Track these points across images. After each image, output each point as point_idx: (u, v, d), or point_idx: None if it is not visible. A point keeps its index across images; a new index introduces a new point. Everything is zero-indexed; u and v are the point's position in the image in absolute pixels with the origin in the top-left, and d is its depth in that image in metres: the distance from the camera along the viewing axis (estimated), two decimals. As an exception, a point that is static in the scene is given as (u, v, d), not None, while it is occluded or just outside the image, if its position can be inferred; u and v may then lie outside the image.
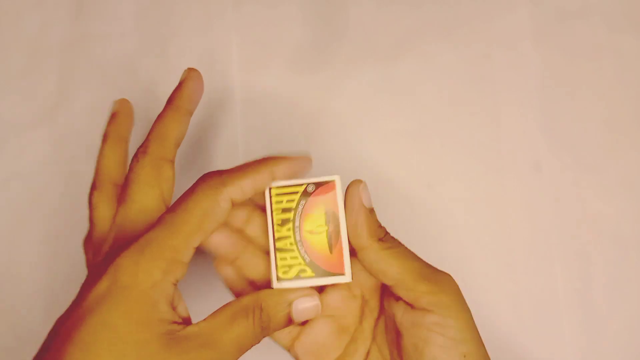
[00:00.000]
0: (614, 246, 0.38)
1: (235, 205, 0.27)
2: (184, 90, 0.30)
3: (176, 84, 0.42)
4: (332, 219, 0.27)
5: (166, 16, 0.42)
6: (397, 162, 0.39)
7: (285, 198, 0.28)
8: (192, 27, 0.42)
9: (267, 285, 0.29)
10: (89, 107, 0.41)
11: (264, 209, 0.29)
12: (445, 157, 0.39)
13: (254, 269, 0.29)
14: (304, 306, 0.27)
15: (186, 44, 0.41)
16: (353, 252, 0.28)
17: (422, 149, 0.40)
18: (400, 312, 0.27)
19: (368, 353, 0.29)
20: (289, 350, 0.30)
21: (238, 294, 0.30)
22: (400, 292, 0.27)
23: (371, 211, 0.28)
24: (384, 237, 0.27)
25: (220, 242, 0.28)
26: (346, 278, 0.27)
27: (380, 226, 0.28)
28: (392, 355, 0.28)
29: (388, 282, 0.27)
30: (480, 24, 0.41)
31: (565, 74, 0.40)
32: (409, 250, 0.28)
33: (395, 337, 0.28)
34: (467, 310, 0.26)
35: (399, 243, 0.28)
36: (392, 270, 0.26)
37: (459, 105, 0.40)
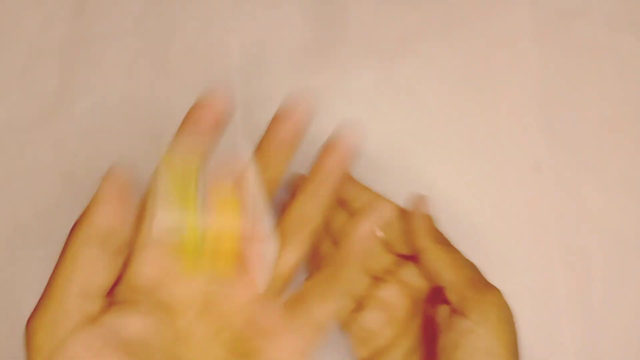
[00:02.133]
0: (614, 246, 0.38)
1: None
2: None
3: (176, 84, 0.42)
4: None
5: (166, 16, 0.42)
6: (397, 162, 0.39)
7: None
8: (192, 27, 0.42)
9: None
10: (89, 107, 0.41)
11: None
12: (445, 157, 0.39)
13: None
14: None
15: (186, 44, 0.41)
16: (412, 257, 0.31)
17: (422, 149, 0.40)
18: (443, 314, 0.28)
19: (412, 349, 0.30)
20: (342, 329, 0.32)
21: None
22: (450, 295, 0.28)
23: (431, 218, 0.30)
24: (445, 242, 0.30)
25: None
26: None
27: (441, 233, 0.30)
28: (428, 356, 0.29)
29: (442, 283, 0.29)
30: (480, 23, 0.41)
31: (565, 74, 0.40)
32: (468, 260, 0.30)
33: (432, 339, 0.29)
34: (507, 327, 0.27)
35: (458, 251, 0.30)
36: (448, 272, 0.28)
37: (459, 105, 0.40)
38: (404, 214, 0.31)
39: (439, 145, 0.40)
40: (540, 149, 0.39)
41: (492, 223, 0.39)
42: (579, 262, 0.38)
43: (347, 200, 0.31)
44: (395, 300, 0.31)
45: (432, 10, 0.42)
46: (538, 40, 0.41)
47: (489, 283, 0.28)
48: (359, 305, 0.31)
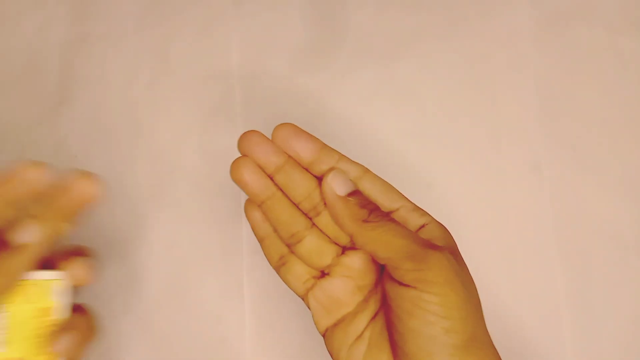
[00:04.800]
0: (614, 246, 0.38)
1: None
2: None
3: (176, 85, 0.42)
4: None
5: (166, 16, 0.42)
6: (397, 162, 0.39)
7: None
8: (192, 27, 0.42)
9: (289, 234, 0.30)
10: (89, 107, 0.41)
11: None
12: (445, 157, 0.39)
13: (276, 216, 0.30)
14: None
15: (186, 44, 0.41)
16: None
17: (422, 148, 0.40)
18: (390, 288, 0.27)
19: (376, 314, 0.29)
20: (302, 298, 0.31)
21: (261, 240, 0.32)
22: (391, 270, 0.27)
23: (351, 195, 0.28)
24: (369, 218, 0.28)
25: (252, 180, 0.30)
26: None
27: (362, 207, 0.28)
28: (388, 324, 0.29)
29: (380, 262, 0.28)
30: (479, 24, 0.41)
31: (565, 74, 0.40)
32: (399, 227, 0.28)
33: (387, 310, 0.28)
34: (455, 288, 0.26)
35: (388, 220, 0.28)
36: (380, 250, 0.27)
37: (459, 106, 0.40)
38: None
39: (438, 146, 0.40)
40: (540, 149, 0.39)
41: (492, 223, 0.39)
42: (578, 262, 0.38)
43: (314, 163, 0.31)
44: (362, 267, 0.30)
45: (432, 10, 0.42)
46: (538, 41, 0.41)
47: (428, 248, 0.27)
48: (323, 274, 0.31)
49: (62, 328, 0.27)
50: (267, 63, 0.41)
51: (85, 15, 0.42)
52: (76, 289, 0.29)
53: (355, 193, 0.29)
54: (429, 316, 0.25)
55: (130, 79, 0.41)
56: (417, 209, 0.31)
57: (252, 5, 0.42)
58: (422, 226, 0.30)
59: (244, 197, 0.39)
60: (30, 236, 0.26)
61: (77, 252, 0.29)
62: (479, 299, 0.28)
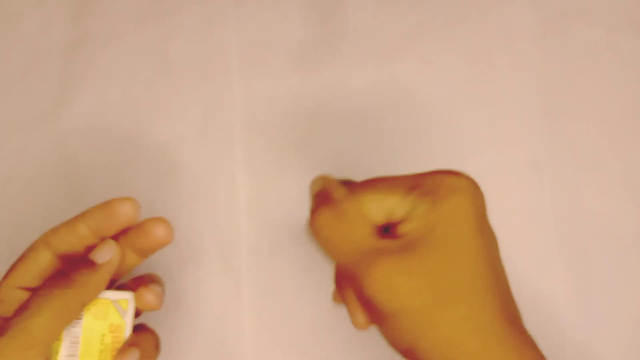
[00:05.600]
0: (614, 246, 0.38)
1: (57, 250, 0.29)
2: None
3: (176, 85, 0.42)
4: None
5: (166, 16, 0.42)
6: (397, 162, 0.39)
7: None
8: (192, 27, 0.42)
9: None
10: (89, 107, 0.41)
11: None
12: (445, 158, 0.39)
13: None
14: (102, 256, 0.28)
15: (186, 44, 0.41)
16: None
17: (421, 149, 0.40)
18: None
19: None
20: None
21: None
22: None
23: (321, 191, 0.28)
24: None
25: None
26: None
27: (320, 200, 0.27)
28: None
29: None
30: (479, 24, 0.41)
31: (565, 74, 0.40)
32: (348, 227, 0.26)
33: None
34: (394, 298, 0.25)
35: (340, 217, 0.26)
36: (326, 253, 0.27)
37: (459, 105, 0.40)
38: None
39: (438, 145, 0.40)
40: (540, 149, 0.39)
41: (492, 223, 0.39)
42: (579, 262, 0.38)
43: None
44: None
45: (431, 10, 0.42)
46: (538, 40, 0.41)
47: (365, 264, 0.25)
48: None
49: (129, 345, 0.29)
50: (267, 63, 0.41)
51: (85, 15, 0.42)
52: (143, 312, 0.31)
53: (323, 191, 0.28)
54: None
55: (130, 78, 0.41)
56: (403, 200, 0.28)
57: (252, 5, 0.42)
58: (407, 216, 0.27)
59: (243, 197, 0.39)
60: (109, 257, 0.28)
61: (149, 280, 0.30)
62: (461, 291, 0.26)
